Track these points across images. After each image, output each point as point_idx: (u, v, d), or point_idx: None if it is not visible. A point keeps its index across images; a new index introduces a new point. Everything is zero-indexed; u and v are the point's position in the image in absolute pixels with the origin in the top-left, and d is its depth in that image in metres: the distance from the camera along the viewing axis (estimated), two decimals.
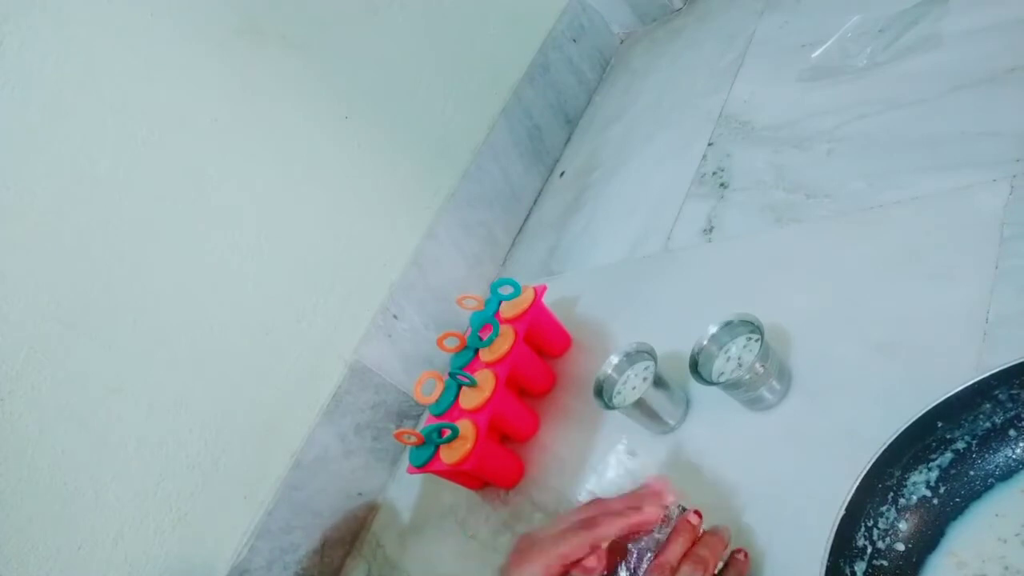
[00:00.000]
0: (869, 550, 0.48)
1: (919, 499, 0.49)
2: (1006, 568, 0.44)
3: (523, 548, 0.58)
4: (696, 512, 0.57)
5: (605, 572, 0.57)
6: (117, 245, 0.84)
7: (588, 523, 0.57)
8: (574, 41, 1.36)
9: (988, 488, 0.48)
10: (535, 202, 1.29)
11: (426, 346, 1.09)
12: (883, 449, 0.48)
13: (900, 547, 0.48)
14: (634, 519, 0.57)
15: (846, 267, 0.69)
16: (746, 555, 0.56)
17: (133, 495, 0.83)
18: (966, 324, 0.56)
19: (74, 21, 0.82)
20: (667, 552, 0.54)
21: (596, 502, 0.60)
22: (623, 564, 0.57)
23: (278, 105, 0.98)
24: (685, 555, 0.54)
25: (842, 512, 0.47)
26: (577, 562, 0.56)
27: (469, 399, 0.84)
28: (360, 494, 1.01)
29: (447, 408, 0.87)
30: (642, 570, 0.55)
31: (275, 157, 0.98)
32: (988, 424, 0.48)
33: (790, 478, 0.59)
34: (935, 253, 0.63)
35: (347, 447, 1.00)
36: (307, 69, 1.02)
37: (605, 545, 0.57)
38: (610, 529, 0.56)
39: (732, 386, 0.63)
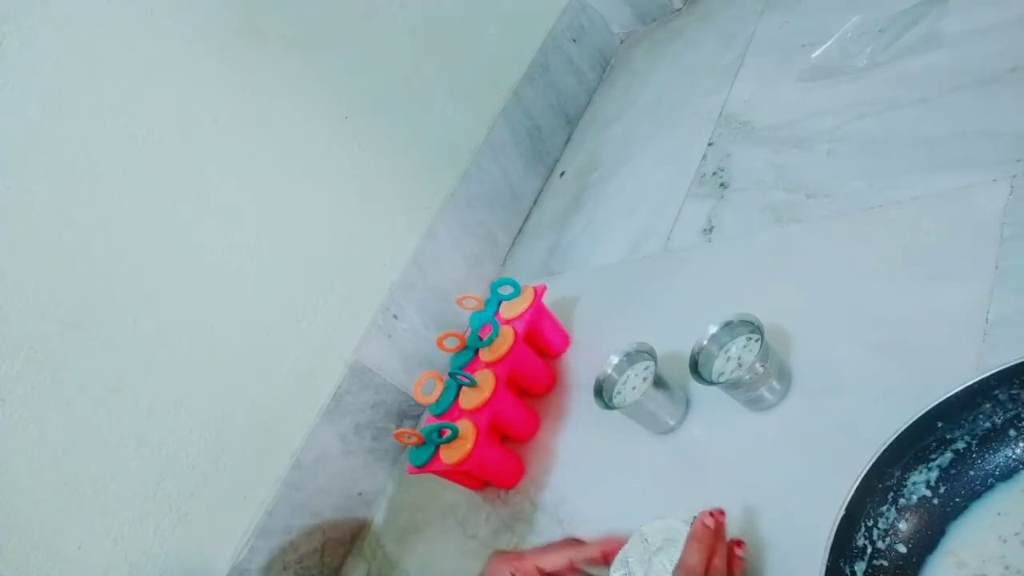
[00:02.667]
0: (869, 550, 0.48)
1: (919, 499, 0.49)
2: (1006, 568, 0.44)
3: (498, 557, 0.63)
4: (711, 513, 0.56)
5: None
6: (117, 245, 0.84)
7: (569, 543, 0.63)
8: (574, 41, 1.36)
9: (988, 488, 0.48)
10: (535, 202, 1.29)
11: (426, 346, 1.09)
12: (883, 449, 0.48)
13: (900, 547, 0.48)
14: (606, 548, 0.62)
15: (846, 267, 0.69)
16: (740, 544, 0.56)
17: (133, 495, 0.83)
18: (966, 324, 0.56)
19: (74, 21, 0.82)
20: (687, 558, 0.53)
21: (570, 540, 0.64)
22: None
23: (278, 105, 0.98)
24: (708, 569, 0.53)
25: (842, 512, 0.47)
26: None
27: (469, 399, 0.84)
28: (360, 494, 1.01)
29: (447, 408, 0.87)
30: None
31: (275, 157, 0.98)
32: (988, 424, 0.48)
33: (790, 478, 0.59)
34: (935, 253, 0.63)
35: (347, 447, 1.00)
36: (307, 69, 1.02)
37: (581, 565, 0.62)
38: (589, 552, 0.62)
39: (732, 386, 0.64)
